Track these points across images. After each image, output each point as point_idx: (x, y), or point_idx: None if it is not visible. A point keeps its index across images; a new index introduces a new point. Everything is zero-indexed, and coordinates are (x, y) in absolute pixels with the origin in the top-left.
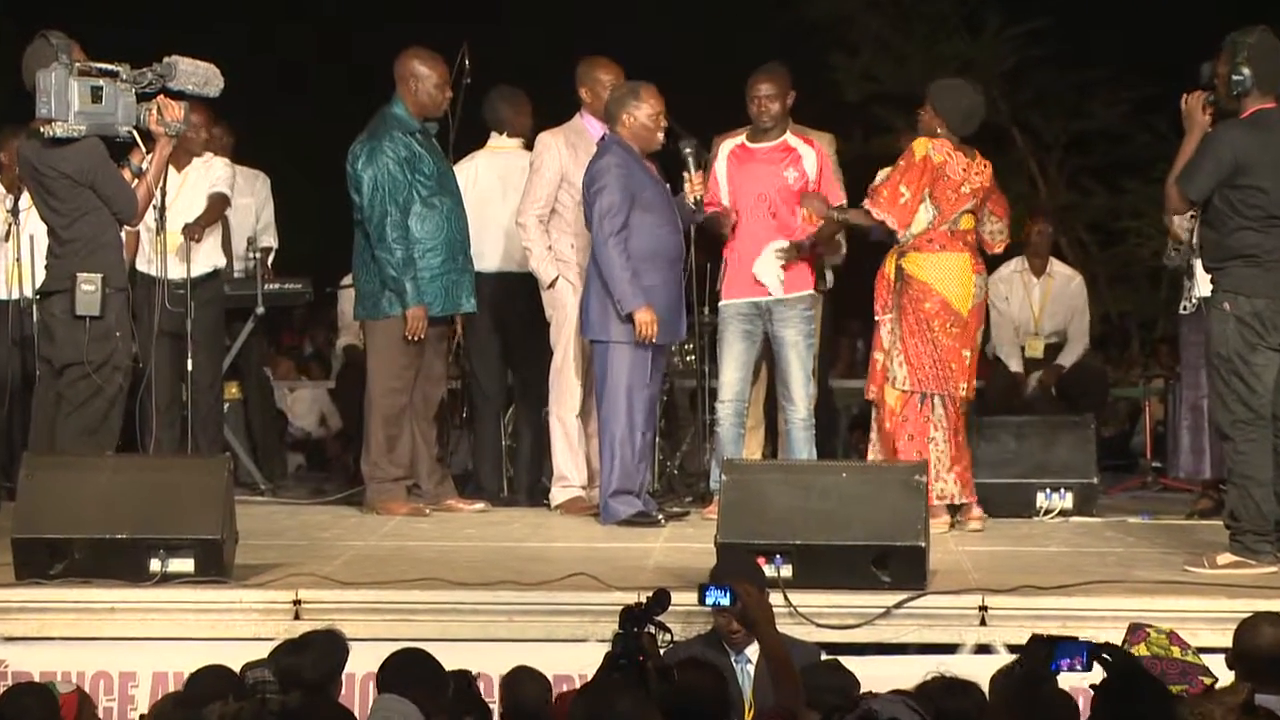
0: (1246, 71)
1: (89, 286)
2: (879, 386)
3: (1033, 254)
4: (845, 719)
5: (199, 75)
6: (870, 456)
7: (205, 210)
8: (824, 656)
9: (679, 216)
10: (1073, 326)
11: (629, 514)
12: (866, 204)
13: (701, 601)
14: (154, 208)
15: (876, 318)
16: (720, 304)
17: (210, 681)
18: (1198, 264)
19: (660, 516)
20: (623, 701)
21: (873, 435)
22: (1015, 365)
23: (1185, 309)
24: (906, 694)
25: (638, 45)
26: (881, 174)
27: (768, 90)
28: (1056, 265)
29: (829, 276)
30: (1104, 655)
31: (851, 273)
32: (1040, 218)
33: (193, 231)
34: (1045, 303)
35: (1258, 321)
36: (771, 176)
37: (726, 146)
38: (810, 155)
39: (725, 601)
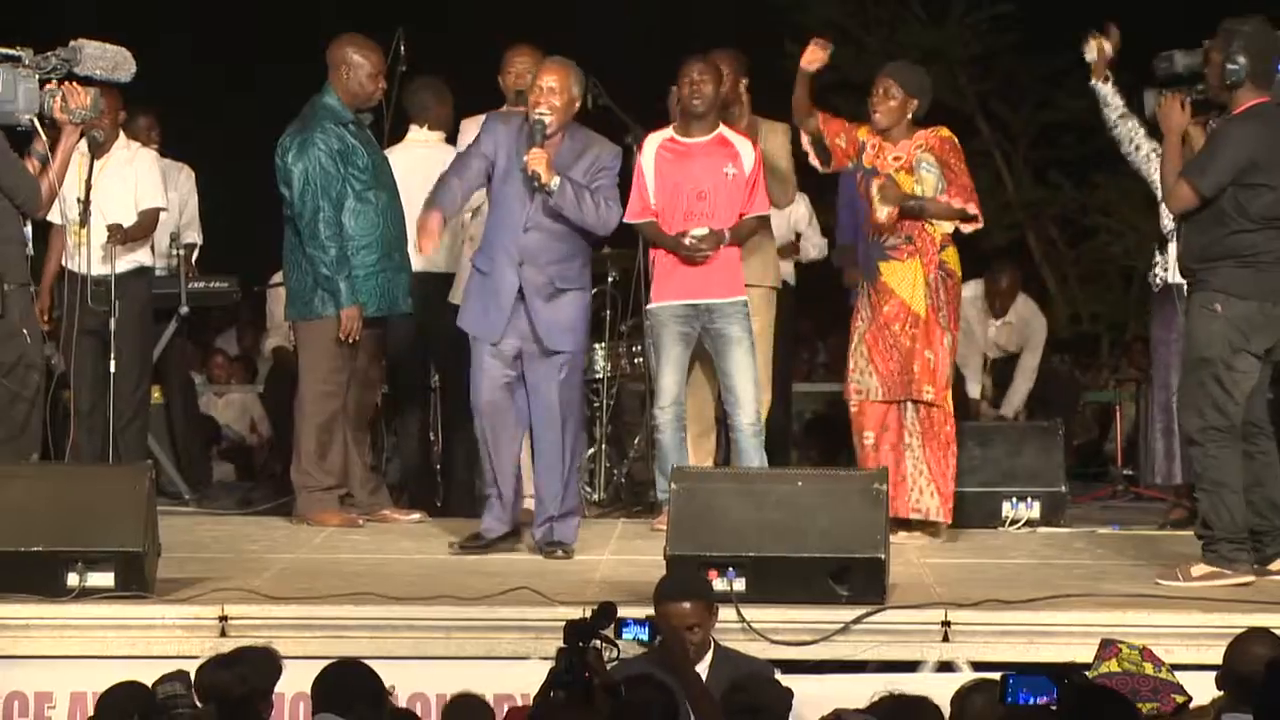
0: (1242, 60)
1: None
2: (938, 388)
3: (994, 296)
4: None
5: (107, 59)
6: (910, 465)
7: (136, 224)
8: (778, 674)
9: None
10: (1018, 375)
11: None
12: (962, 203)
13: (618, 635)
14: (76, 200)
15: (932, 317)
16: (652, 307)
17: (121, 700)
18: (1171, 247)
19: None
20: None
21: (913, 440)
22: (973, 391)
23: (1156, 284)
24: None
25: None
26: (928, 169)
27: (702, 72)
28: (1020, 306)
29: (790, 268)
30: (1065, 681)
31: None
32: (1004, 271)
33: (117, 235)
34: (1003, 341)
35: (1245, 324)
36: (711, 172)
37: (654, 142)
38: (748, 152)
39: (644, 637)
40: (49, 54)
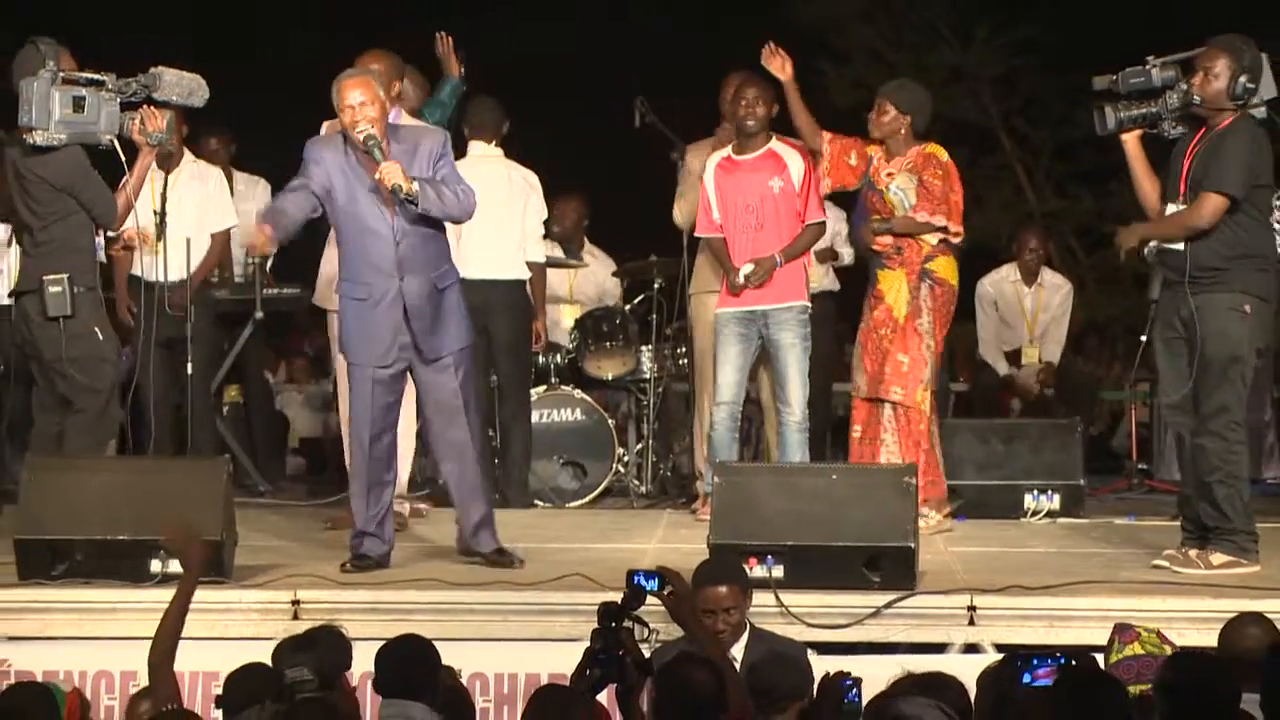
0: (1250, 77)
1: (56, 288)
2: (908, 389)
3: (1025, 267)
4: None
5: (183, 86)
6: (884, 458)
7: (211, 250)
8: (812, 655)
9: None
10: (1050, 329)
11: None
12: (928, 216)
13: (629, 586)
14: (153, 213)
15: (908, 323)
16: (715, 312)
17: (248, 681)
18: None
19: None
20: (577, 714)
21: (887, 436)
22: (1003, 368)
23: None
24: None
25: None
26: (901, 184)
27: (754, 94)
28: (1048, 274)
29: (832, 275)
30: (1072, 662)
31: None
32: (1032, 235)
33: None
34: (1038, 312)
35: (1264, 326)
36: (758, 186)
37: (714, 160)
38: (796, 162)
39: (653, 586)
40: (130, 79)
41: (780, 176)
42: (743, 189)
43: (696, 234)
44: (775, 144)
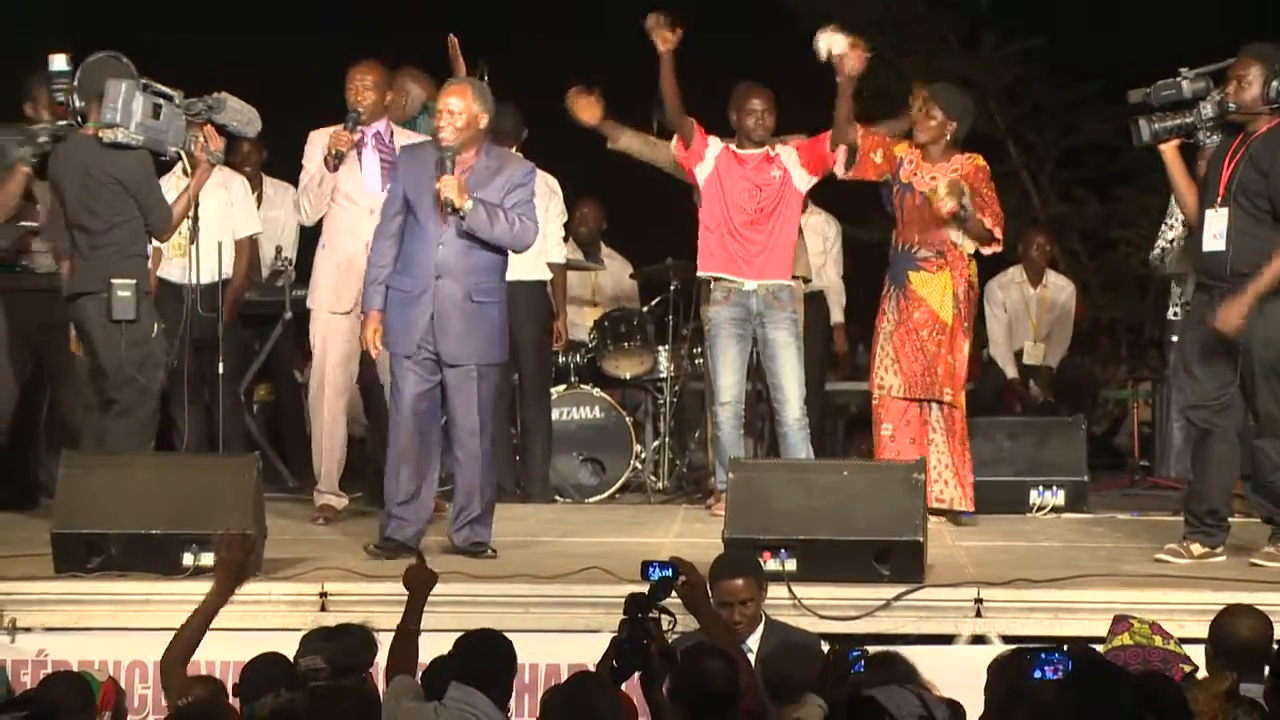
0: None
1: (124, 292)
2: (956, 390)
3: (1030, 266)
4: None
5: (243, 114)
6: (934, 458)
7: (245, 258)
8: (825, 647)
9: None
10: (1055, 331)
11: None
12: (992, 225)
13: (645, 576)
14: (189, 217)
15: (957, 325)
16: (707, 281)
17: (264, 671)
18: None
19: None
20: (602, 701)
21: (937, 437)
22: (1011, 372)
23: (1175, 315)
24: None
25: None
26: (963, 189)
27: (763, 105)
28: (1051, 276)
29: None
30: (1078, 657)
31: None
32: (1039, 233)
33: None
34: (1042, 312)
35: None
36: (762, 176)
37: (722, 145)
38: (789, 154)
39: (669, 575)
40: (195, 99)
41: (778, 166)
42: (749, 177)
43: (675, 147)
44: (768, 148)
